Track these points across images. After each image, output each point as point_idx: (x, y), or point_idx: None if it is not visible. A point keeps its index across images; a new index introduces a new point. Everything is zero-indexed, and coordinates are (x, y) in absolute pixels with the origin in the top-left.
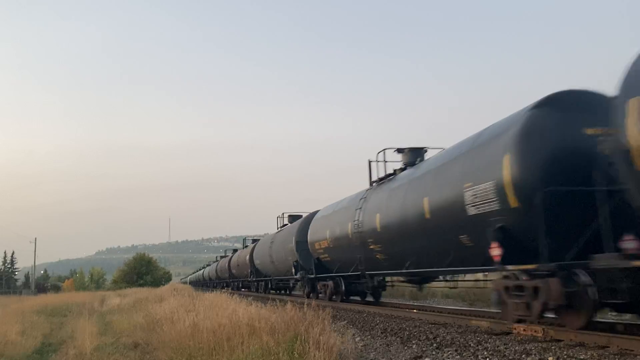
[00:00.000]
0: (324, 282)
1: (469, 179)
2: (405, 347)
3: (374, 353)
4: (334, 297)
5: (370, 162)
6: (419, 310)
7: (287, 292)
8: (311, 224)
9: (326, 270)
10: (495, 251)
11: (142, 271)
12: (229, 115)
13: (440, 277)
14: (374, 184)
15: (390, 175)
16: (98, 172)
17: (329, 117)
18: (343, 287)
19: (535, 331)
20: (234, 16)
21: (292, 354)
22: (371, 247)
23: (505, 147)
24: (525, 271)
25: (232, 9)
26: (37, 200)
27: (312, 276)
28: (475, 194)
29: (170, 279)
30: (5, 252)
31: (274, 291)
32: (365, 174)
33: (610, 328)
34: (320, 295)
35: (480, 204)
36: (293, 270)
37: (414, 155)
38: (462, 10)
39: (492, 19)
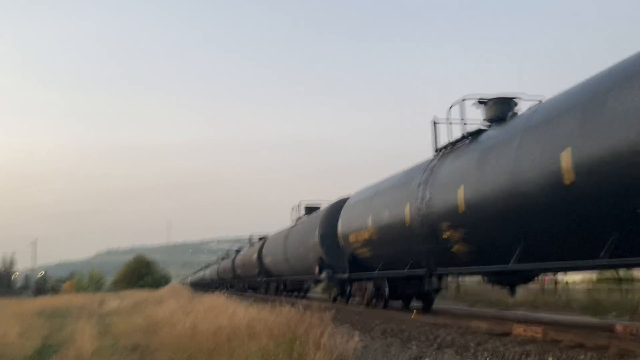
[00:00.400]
0: (361, 284)
1: None
2: (405, 348)
3: (373, 354)
4: (373, 301)
5: (435, 123)
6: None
7: (302, 295)
8: (342, 212)
9: (363, 268)
10: None
11: (142, 273)
12: (229, 115)
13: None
14: (442, 151)
15: (471, 135)
16: (98, 172)
17: (329, 116)
18: (387, 291)
19: (535, 332)
20: (234, 16)
21: (291, 355)
22: (446, 235)
23: None
24: None
25: (232, 9)
26: (37, 200)
27: (345, 276)
28: None
29: (170, 281)
30: (4, 254)
31: (286, 293)
32: (374, 170)
33: (609, 329)
34: (354, 299)
35: None
36: (317, 269)
37: (503, 109)
38: (460, 10)
39: (492, 18)
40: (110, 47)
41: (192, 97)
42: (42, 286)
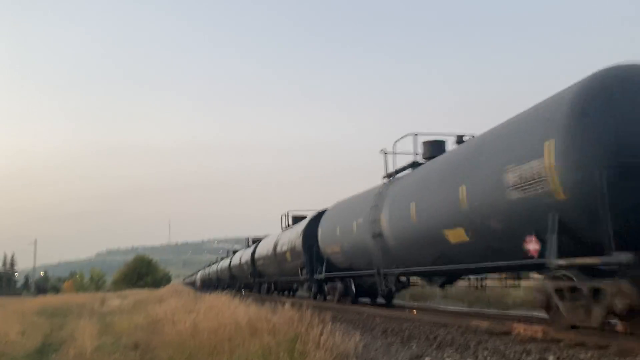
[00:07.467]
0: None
1: None
2: (406, 347)
3: (374, 353)
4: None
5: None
6: (419, 310)
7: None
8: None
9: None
10: None
11: (142, 272)
12: (229, 115)
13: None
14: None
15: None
16: (99, 173)
17: (330, 117)
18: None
19: (535, 331)
20: (234, 18)
21: (292, 354)
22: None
23: None
24: None
25: (233, 9)
26: (38, 201)
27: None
28: None
29: (170, 281)
30: (5, 254)
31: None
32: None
33: (610, 328)
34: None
35: None
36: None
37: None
38: (462, 10)
39: (492, 18)
40: (111, 48)
41: (193, 98)
42: (42, 285)
